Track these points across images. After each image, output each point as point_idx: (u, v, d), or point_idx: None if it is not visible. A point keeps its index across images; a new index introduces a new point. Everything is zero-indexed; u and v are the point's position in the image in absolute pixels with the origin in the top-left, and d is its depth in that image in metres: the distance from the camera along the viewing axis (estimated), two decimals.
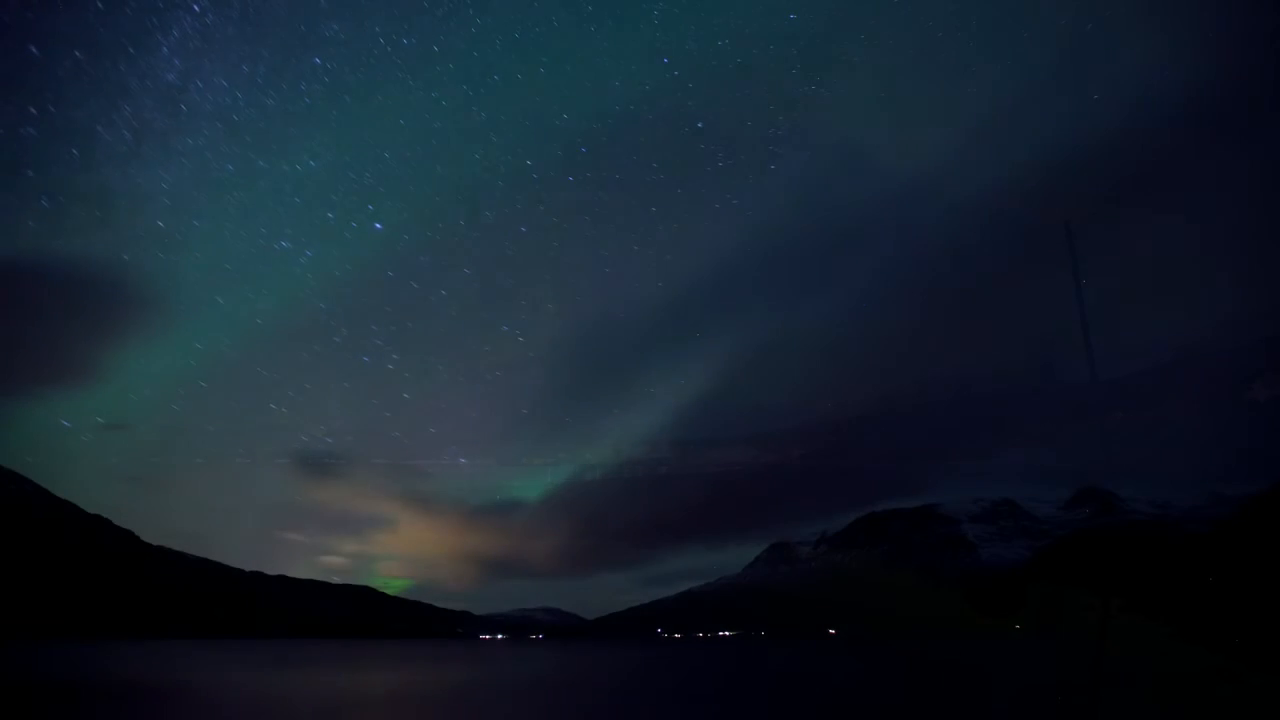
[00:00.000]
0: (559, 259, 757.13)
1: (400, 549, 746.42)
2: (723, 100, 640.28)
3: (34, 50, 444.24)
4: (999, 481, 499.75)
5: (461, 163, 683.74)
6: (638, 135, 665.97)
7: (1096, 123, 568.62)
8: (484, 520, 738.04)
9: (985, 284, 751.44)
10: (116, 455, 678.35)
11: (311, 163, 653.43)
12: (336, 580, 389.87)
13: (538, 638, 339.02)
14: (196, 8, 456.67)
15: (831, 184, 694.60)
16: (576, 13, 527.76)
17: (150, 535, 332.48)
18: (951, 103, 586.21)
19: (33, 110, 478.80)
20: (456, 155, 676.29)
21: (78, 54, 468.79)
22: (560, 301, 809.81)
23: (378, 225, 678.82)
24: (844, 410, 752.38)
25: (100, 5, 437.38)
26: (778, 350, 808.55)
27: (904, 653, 65.51)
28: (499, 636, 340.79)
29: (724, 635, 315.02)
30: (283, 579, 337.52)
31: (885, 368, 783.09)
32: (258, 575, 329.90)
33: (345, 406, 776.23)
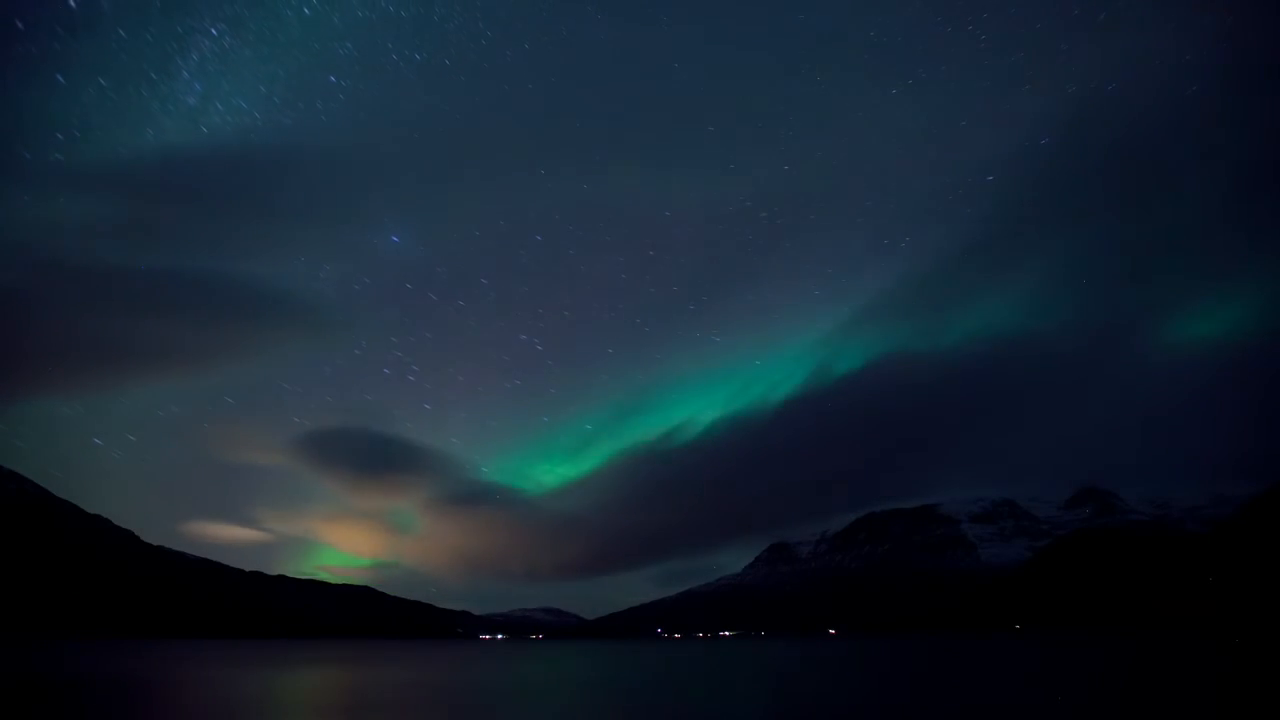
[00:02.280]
0: (575, 266, 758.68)
1: (420, 554, 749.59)
2: (735, 102, 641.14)
3: (61, 79, 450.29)
4: (999, 481, 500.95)
5: (475, 173, 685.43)
6: (651, 140, 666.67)
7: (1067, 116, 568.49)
8: (498, 524, 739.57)
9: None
10: (146, 471, 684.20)
11: (329, 179, 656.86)
12: (340, 581, 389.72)
13: (538, 638, 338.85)
14: (214, 31, 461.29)
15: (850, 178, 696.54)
16: (585, 21, 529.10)
17: (150, 535, 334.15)
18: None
19: (60, 137, 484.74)
20: (470, 166, 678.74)
21: (102, 81, 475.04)
22: (577, 308, 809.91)
23: (395, 238, 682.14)
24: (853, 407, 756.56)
25: (123, 33, 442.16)
26: (794, 348, 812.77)
27: (903, 653, 65.50)
28: (499, 636, 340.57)
29: (724, 635, 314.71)
30: (283, 579, 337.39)
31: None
32: (258, 575, 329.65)
33: (367, 419, 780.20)
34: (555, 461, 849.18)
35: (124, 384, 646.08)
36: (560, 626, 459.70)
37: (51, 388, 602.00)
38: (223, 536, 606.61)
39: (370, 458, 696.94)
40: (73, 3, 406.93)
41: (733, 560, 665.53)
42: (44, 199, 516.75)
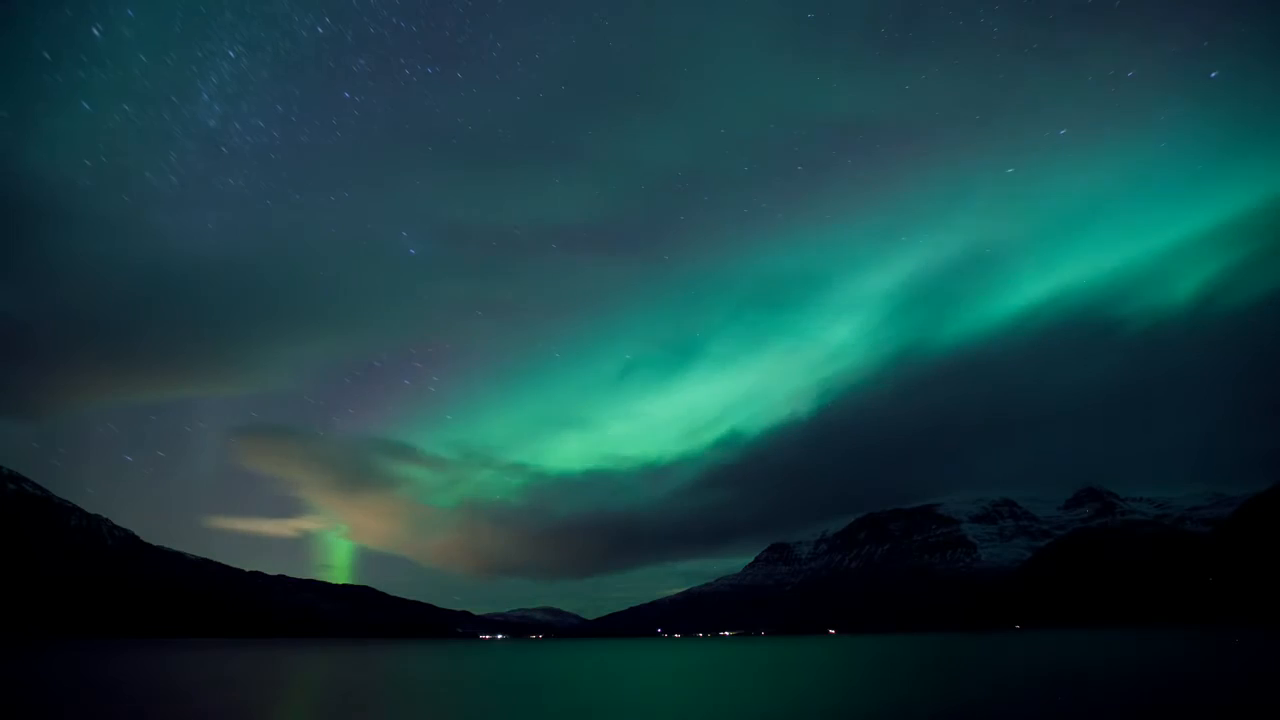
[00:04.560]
0: (590, 273, 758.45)
1: (426, 555, 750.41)
2: (746, 105, 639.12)
3: (86, 106, 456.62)
4: (999, 481, 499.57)
5: (489, 183, 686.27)
6: (661, 143, 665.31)
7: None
8: (507, 526, 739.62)
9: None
10: (175, 488, 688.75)
11: (345, 193, 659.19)
12: (342, 581, 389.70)
13: (538, 638, 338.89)
14: (232, 54, 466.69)
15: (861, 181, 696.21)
16: (594, 28, 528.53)
17: (150, 536, 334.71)
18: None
19: (87, 162, 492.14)
20: (484, 176, 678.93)
21: (126, 107, 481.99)
22: (595, 316, 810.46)
23: (412, 250, 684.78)
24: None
25: (144, 59, 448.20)
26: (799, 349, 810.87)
27: (904, 653, 65.47)
28: (499, 637, 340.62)
29: (724, 635, 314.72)
30: (282, 579, 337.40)
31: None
32: (257, 575, 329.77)
33: (388, 429, 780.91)
34: (565, 466, 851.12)
35: (148, 404, 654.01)
36: (560, 626, 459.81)
37: (84, 407, 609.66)
38: (234, 534, 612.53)
39: (387, 464, 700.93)
40: (96, 32, 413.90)
41: (733, 560, 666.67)
42: (67, 224, 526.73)
